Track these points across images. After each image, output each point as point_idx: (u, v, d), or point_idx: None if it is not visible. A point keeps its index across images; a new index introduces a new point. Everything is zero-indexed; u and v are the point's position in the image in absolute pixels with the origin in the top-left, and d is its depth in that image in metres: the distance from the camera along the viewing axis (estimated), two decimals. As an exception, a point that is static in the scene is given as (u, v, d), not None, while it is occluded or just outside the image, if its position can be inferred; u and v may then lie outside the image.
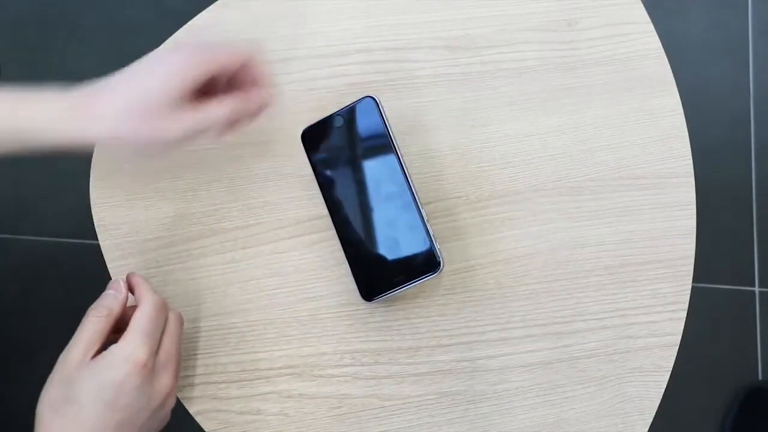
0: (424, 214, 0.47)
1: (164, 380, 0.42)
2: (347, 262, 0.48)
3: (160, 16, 1.23)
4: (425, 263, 0.46)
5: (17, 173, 1.15)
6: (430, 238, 0.46)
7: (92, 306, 0.42)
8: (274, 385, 0.49)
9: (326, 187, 0.48)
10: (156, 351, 0.42)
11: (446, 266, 0.51)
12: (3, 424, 1.00)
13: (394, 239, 0.47)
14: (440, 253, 0.46)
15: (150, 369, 0.40)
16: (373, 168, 0.48)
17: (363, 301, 0.48)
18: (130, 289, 0.44)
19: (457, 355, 0.49)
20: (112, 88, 0.43)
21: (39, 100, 0.42)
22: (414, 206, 0.47)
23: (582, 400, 0.49)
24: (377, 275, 0.47)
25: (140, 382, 0.40)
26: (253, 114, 0.46)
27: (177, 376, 0.44)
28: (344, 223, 0.48)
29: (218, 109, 0.44)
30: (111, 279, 0.50)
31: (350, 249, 0.48)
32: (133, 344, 0.40)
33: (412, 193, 0.47)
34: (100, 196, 0.52)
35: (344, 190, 0.48)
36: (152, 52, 0.46)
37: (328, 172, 0.48)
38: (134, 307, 0.43)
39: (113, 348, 0.40)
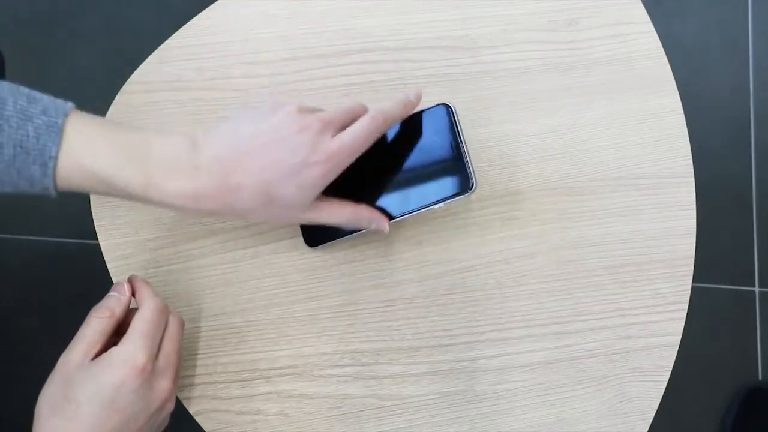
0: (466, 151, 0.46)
1: (163, 384, 0.42)
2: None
3: (160, 16, 1.23)
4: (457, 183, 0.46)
5: (17, 173, 1.15)
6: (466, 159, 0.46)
7: (95, 307, 0.42)
8: (274, 385, 0.49)
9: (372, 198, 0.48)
10: (156, 354, 0.42)
11: (446, 266, 0.51)
12: (3, 424, 1.00)
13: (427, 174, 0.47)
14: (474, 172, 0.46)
15: (149, 372, 0.40)
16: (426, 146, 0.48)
17: (363, 300, 0.48)
18: (133, 292, 0.44)
19: (457, 355, 0.49)
20: (242, 183, 0.41)
21: (162, 185, 0.40)
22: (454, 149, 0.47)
23: (582, 400, 0.49)
24: (449, 179, 0.47)
25: (139, 385, 0.40)
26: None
27: (176, 380, 0.44)
28: (393, 198, 0.48)
29: (336, 216, 0.45)
30: (111, 279, 0.50)
31: (415, 198, 0.47)
32: (132, 347, 0.40)
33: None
34: (100, 196, 0.52)
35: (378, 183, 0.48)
36: (274, 122, 0.42)
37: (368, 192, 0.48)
38: (135, 310, 0.43)
39: (113, 350, 0.40)
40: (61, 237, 1.12)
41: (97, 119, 0.42)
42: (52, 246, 1.11)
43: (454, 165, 0.47)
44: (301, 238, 0.50)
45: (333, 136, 0.42)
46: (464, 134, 0.47)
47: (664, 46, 0.56)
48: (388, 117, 0.43)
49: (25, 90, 0.39)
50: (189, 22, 0.56)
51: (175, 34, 0.56)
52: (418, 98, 0.46)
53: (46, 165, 0.38)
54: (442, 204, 0.46)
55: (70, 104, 0.40)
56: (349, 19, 0.56)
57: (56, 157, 0.38)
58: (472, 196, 0.48)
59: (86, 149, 0.39)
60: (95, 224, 0.52)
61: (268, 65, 0.55)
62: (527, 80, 0.55)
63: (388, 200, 0.47)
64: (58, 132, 0.39)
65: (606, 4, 0.56)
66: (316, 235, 0.50)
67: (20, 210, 1.13)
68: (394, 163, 0.48)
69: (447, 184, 0.46)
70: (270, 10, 0.56)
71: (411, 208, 0.47)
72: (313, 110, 0.44)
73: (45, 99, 0.40)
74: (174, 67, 0.55)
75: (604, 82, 0.55)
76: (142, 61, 0.55)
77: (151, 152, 0.41)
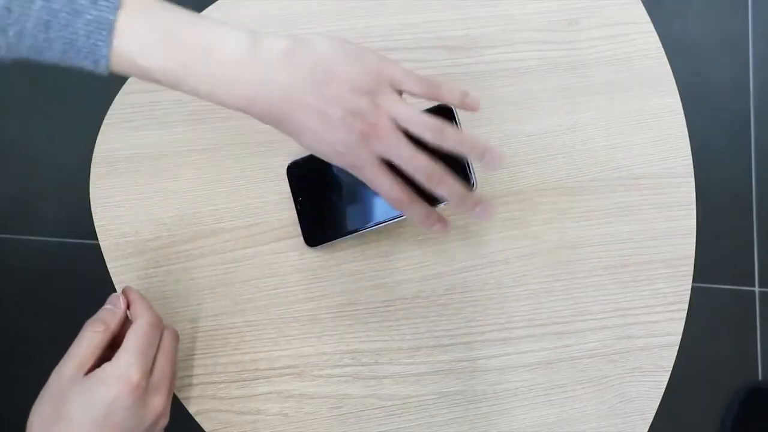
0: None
1: (157, 400, 0.41)
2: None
3: (160, 16, 1.22)
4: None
5: (17, 173, 1.15)
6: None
7: (89, 320, 0.42)
8: (274, 385, 0.49)
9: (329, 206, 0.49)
10: (150, 370, 0.41)
11: (446, 266, 0.51)
12: (3, 424, 1.00)
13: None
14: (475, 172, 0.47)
15: (143, 389, 0.40)
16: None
17: (363, 300, 0.48)
18: (128, 304, 0.44)
19: (457, 355, 0.49)
20: (295, 125, 0.39)
21: (224, 89, 0.38)
22: None
23: (582, 400, 0.49)
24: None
25: (132, 402, 0.39)
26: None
27: (170, 395, 0.43)
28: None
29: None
30: (111, 279, 0.50)
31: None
32: (126, 363, 0.39)
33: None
34: (100, 196, 0.52)
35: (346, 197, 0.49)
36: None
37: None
38: (130, 322, 0.43)
39: (107, 366, 0.39)
40: (61, 237, 1.12)
41: (154, 5, 0.38)
42: (52, 246, 1.11)
43: (455, 165, 0.46)
44: (302, 238, 0.50)
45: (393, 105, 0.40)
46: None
47: (664, 46, 0.56)
48: (446, 135, 0.41)
49: None
50: (189, 22, 0.56)
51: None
52: (463, 97, 0.44)
53: (97, 63, 0.37)
54: (443, 204, 0.46)
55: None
56: (349, 19, 0.56)
57: (108, 56, 0.37)
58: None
59: (141, 49, 0.37)
60: (95, 224, 0.52)
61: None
62: (527, 80, 0.55)
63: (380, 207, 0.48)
64: (109, 29, 0.36)
65: (606, 4, 0.56)
66: (316, 235, 0.50)
67: (20, 210, 1.13)
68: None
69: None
70: (269, 10, 0.56)
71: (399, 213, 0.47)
72: (414, 92, 0.42)
73: None
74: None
75: (604, 82, 0.55)
76: (142, 61, 0.55)
77: (207, 58, 0.38)
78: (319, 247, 0.50)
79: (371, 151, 0.40)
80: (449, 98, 0.42)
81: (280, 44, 0.39)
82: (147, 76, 0.38)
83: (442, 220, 0.44)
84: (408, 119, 0.40)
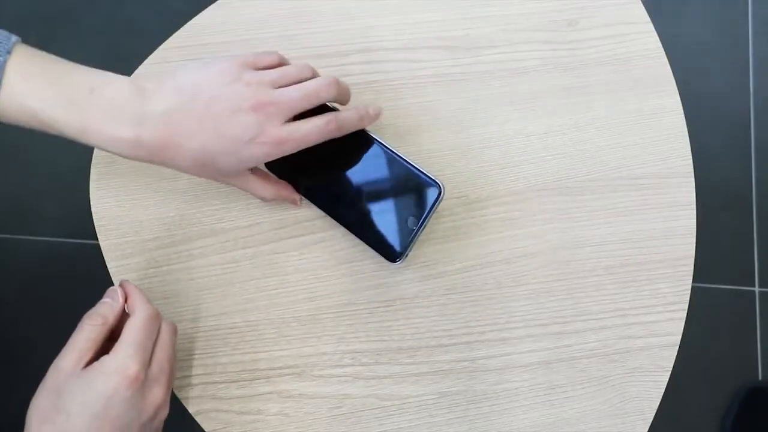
0: (406, 158, 0.47)
1: (156, 392, 0.41)
2: (361, 243, 0.48)
3: (160, 16, 1.23)
4: (427, 195, 0.46)
5: (17, 173, 1.15)
6: (418, 170, 0.46)
7: (87, 314, 0.42)
8: (274, 385, 0.49)
9: (312, 192, 0.49)
10: (148, 363, 0.41)
11: (446, 266, 0.51)
12: (3, 424, 1.00)
13: (389, 196, 0.47)
14: (435, 177, 0.46)
15: (141, 382, 0.40)
16: (349, 155, 0.48)
17: (363, 300, 0.48)
18: (125, 298, 0.44)
19: (457, 355, 0.49)
20: (182, 146, 0.41)
21: (100, 130, 0.41)
22: (394, 158, 0.47)
23: (582, 400, 0.49)
24: (392, 233, 0.47)
25: (131, 395, 0.39)
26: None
27: (169, 388, 0.43)
28: (340, 211, 0.48)
29: (261, 190, 0.47)
30: (111, 279, 0.50)
31: (356, 228, 0.48)
32: (124, 356, 0.39)
33: (388, 150, 0.47)
34: (100, 196, 0.52)
35: (329, 185, 0.49)
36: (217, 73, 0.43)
37: (309, 181, 0.49)
38: (128, 315, 0.43)
39: (105, 359, 0.40)
40: (61, 237, 1.12)
41: (43, 56, 0.41)
42: (52, 246, 1.11)
43: (411, 181, 0.47)
44: (302, 238, 0.50)
45: (284, 122, 0.42)
46: (392, 146, 0.47)
47: (664, 46, 0.56)
48: (342, 125, 0.44)
49: None
50: (189, 22, 0.56)
51: (175, 34, 0.56)
52: (377, 114, 0.47)
53: None
54: (423, 225, 0.46)
55: (14, 38, 0.40)
56: (349, 19, 0.56)
57: None
58: (444, 197, 0.47)
59: (27, 87, 0.40)
60: (95, 224, 0.52)
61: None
62: (527, 80, 0.55)
63: (387, 240, 0.47)
64: (4, 55, 0.39)
65: (606, 4, 0.56)
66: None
67: (20, 210, 1.13)
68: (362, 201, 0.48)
69: (419, 202, 0.47)
70: (270, 10, 0.56)
71: (408, 240, 0.47)
72: (269, 66, 0.45)
73: None
74: (174, 67, 0.55)
75: (604, 82, 0.55)
76: (142, 61, 0.55)
77: (93, 95, 0.41)
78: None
79: (275, 120, 0.42)
80: (357, 125, 0.47)
81: (149, 85, 0.42)
82: (31, 117, 0.40)
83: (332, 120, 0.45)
84: (284, 75, 0.44)
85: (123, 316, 0.43)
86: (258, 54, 0.45)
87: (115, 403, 0.39)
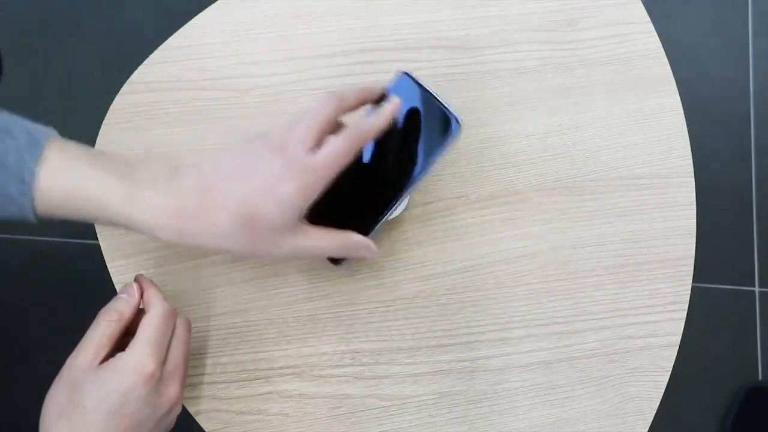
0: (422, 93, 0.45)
1: (171, 389, 0.41)
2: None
3: (160, 17, 1.23)
4: (442, 127, 0.45)
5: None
6: (440, 101, 0.44)
7: (103, 309, 0.42)
8: (274, 385, 0.49)
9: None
10: (164, 359, 0.41)
11: (446, 266, 0.51)
12: (3, 424, 1.00)
13: (408, 140, 0.46)
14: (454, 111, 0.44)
15: (157, 379, 0.40)
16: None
17: (363, 300, 0.48)
18: (141, 292, 0.44)
19: (457, 355, 0.49)
20: (221, 200, 0.40)
21: (143, 197, 0.40)
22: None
23: (582, 400, 0.49)
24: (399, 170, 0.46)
25: (147, 392, 0.39)
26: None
27: (183, 384, 0.43)
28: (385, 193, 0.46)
29: (326, 241, 0.43)
30: (111, 279, 0.50)
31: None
32: (140, 354, 0.40)
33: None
34: (100, 196, 0.52)
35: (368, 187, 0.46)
36: (252, 144, 0.42)
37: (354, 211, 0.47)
38: (143, 311, 0.43)
39: (121, 356, 0.40)
40: (61, 237, 1.12)
41: (80, 144, 0.42)
42: (52, 246, 1.11)
43: (432, 116, 0.45)
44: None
45: (310, 148, 0.41)
46: (433, 89, 0.45)
47: (664, 46, 0.56)
48: (366, 132, 0.42)
49: (6, 112, 0.40)
50: (189, 22, 0.56)
51: (175, 34, 0.56)
52: (397, 106, 0.44)
53: (24, 181, 0.38)
54: (437, 157, 0.44)
55: (51, 128, 0.41)
56: (349, 19, 0.56)
57: (35, 173, 0.38)
58: (460, 135, 0.45)
59: (67, 165, 0.40)
60: (95, 224, 0.52)
61: (268, 65, 0.55)
62: (527, 80, 0.55)
63: (386, 183, 0.46)
64: (39, 149, 0.39)
65: (606, 4, 0.56)
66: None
67: (20, 210, 1.13)
68: (379, 148, 0.46)
69: (434, 138, 0.45)
70: (270, 10, 0.56)
71: (413, 179, 0.45)
72: (294, 122, 0.43)
73: (27, 122, 0.40)
74: (174, 67, 0.55)
75: (604, 82, 0.55)
76: (142, 61, 0.55)
77: (132, 171, 0.41)
78: (344, 264, 0.47)
79: (298, 150, 0.41)
80: (381, 125, 0.43)
81: (176, 163, 0.42)
82: (73, 196, 0.40)
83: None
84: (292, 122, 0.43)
85: (139, 312, 0.43)
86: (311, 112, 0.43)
87: (131, 400, 0.39)
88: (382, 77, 0.54)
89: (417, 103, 0.45)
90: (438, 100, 0.45)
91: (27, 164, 0.38)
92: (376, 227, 0.46)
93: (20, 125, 0.39)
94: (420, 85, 0.45)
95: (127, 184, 0.40)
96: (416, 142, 0.45)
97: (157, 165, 0.42)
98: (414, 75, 0.46)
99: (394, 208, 0.46)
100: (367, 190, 0.46)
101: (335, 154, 0.41)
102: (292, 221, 0.41)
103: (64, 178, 0.39)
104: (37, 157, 0.38)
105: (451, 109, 0.44)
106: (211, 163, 0.42)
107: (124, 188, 0.40)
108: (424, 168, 0.45)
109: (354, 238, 0.44)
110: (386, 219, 0.46)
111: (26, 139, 0.39)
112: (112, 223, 0.41)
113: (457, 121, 0.44)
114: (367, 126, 0.43)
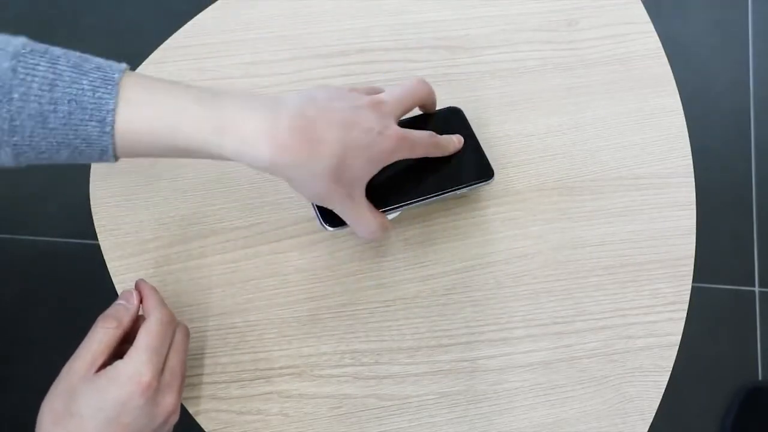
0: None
1: (168, 399, 0.41)
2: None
3: (160, 17, 1.23)
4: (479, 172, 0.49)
5: (17, 173, 1.15)
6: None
7: (102, 316, 0.42)
8: (274, 385, 0.49)
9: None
10: (162, 369, 0.41)
11: (446, 266, 0.51)
12: (3, 424, 1.00)
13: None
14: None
15: (155, 389, 0.40)
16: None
17: (363, 300, 0.48)
18: (141, 298, 0.44)
19: (457, 355, 0.49)
20: (321, 137, 0.39)
21: (236, 125, 0.38)
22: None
23: (582, 400, 0.49)
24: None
25: (144, 402, 0.39)
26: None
27: (181, 393, 0.43)
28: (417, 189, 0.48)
29: (370, 215, 0.44)
30: (111, 279, 0.50)
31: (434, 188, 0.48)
32: (139, 363, 0.39)
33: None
34: (100, 196, 0.52)
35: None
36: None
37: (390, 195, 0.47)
38: (142, 317, 0.43)
39: (119, 364, 0.39)
40: (61, 237, 1.12)
41: (155, 77, 0.39)
42: (52, 246, 1.11)
43: (473, 157, 0.49)
44: (301, 238, 0.50)
45: (398, 118, 0.44)
46: (476, 132, 0.50)
47: (664, 46, 0.56)
48: (444, 146, 0.47)
49: (75, 52, 0.38)
50: (189, 22, 0.56)
51: (175, 34, 0.56)
52: (461, 143, 0.49)
53: (103, 120, 0.36)
54: (463, 189, 0.48)
55: (124, 64, 0.38)
56: (349, 19, 0.56)
57: (114, 111, 0.36)
58: (490, 185, 0.50)
59: (147, 98, 0.37)
60: (95, 224, 0.52)
61: (268, 65, 0.55)
62: (527, 80, 0.55)
63: (413, 186, 0.47)
64: (114, 85, 0.36)
65: (606, 4, 0.56)
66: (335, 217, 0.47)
67: (20, 210, 1.13)
68: (421, 161, 0.48)
69: (468, 173, 0.49)
70: (270, 10, 0.56)
71: (435, 192, 0.48)
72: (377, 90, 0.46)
73: (97, 58, 0.38)
74: (174, 67, 0.55)
75: (604, 82, 0.55)
76: (142, 61, 0.55)
77: (219, 99, 0.38)
78: (335, 229, 0.47)
79: (391, 117, 0.43)
80: (450, 149, 0.48)
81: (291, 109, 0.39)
82: (156, 130, 0.38)
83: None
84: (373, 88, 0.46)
85: (138, 318, 0.43)
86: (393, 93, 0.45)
87: (128, 409, 0.39)
88: (381, 77, 0.55)
89: (464, 135, 0.50)
90: (480, 147, 0.50)
91: (104, 101, 0.36)
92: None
93: (91, 62, 0.37)
94: (469, 125, 0.50)
95: (217, 110, 0.38)
96: (453, 168, 0.49)
97: (244, 94, 0.40)
98: (465, 113, 0.51)
99: (397, 211, 0.48)
100: (389, 183, 0.46)
101: (416, 142, 0.44)
102: (366, 182, 0.42)
103: (144, 112, 0.37)
104: (114, 94, 0.36)
105: (489, 160, 0.50)
106: (310, 96, 0.40)
107: (215, 113, 0.37)
108: (447, 191, 0.48)
109: (387, 223, 0.46)
110: (396, 214, 0.48)
111: (99, 75, 0.36)
112: (200, 155, 0.39)
113: (493, 174, 0.49)
114: (443, 141, 0.47)
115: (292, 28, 0.56)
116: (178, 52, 0.55)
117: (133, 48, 0.73)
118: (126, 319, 0.42)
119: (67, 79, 0.36)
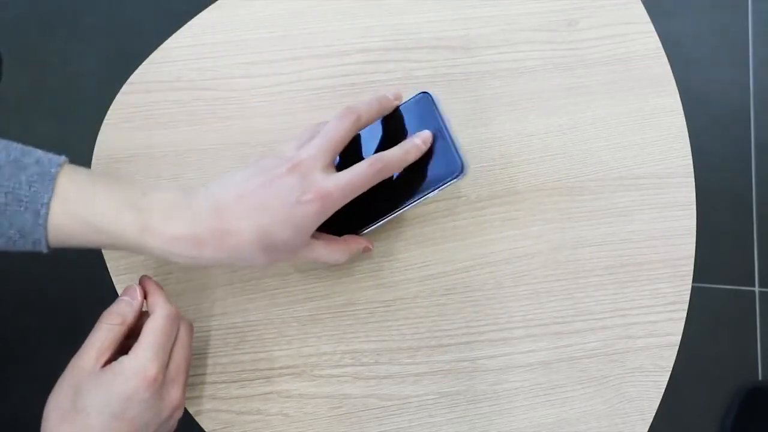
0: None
1: (173, 393, 0.41)
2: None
3: (160, 16, 1.23)
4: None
5: (17, 173, 1.15)
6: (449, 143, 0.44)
7: (106, 312, 0.42)
8: (274, 385, 0.49)
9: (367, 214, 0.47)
10: (167, 364, 0.41)
11: (446, 266, 0.51)
12: (3, 424, 1.00)
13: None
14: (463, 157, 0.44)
15: (159, 383, 0.40)
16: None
17: (363, 300, 0.48)
18: (144, 294, 0.44)
19: (457, 355, 0.49)
20: (238, 227, 0.40)
21: (158, 227, 0.40)
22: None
23: (582, 400, 0.49)
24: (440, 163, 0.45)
25: (149, 396, 0.39)
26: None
27: (185, 388, 0.43)
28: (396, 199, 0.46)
29: (328, 250, 0.45)
30: (111, 279, 0.50)
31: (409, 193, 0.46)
32: (144, 358, 0.40)
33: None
34: (100, 196, 0.52)
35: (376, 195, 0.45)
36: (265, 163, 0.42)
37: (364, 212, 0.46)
38: (147, 313, 0.43)
39: (124, 360, 0.40)
40: (61, 237, 1.11)
41: (91, 171, 0.42)
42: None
43: (441, 152, 0.45)
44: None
45: (326, 167, 0.42)
46: (448, 120, 0.45)
47: (664, 46, 0.56)
48: (389, 163, 0.43)
49: (18, 145, 0.40)
50: (189, 22, 0.56)
51: (175, 34, 0.56)
52: (426, 143, 0.45)
53: (38, 213, 0.38)
54: (432, 193, 0.44)
55: (63, 157, 0.40)
56: (349, 19, 0.56)
57: (48, 204, 0.38)
58: (463, 180, 0.44)
59: (79, 196, 0.39)
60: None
61: (268, 65, 0.55)
62: (527, 80, 0.55)
63: (380, 200, 0.46)
64: (51, 180, 0.39)
65: (606, 4, 0.56)
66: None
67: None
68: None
69: (436, 172, 0.44)
70: (270, 10, 0.56)
71: (403, 203, 0.45)
72: (311, 135, 0.44)
73: (38, 152, 0.40)
74: (174, 67, 0.55)
75: (604, 82, 0.55)
76: (142, 61, 0.55)
77: (146, 198, 0.40)
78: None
79: (314, 173, 0.42)
80: (406, 159, 0.44)
81: (193, 187, 0.42)
82: (86, 227, 0.40)
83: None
84: (303, 131, 0.45)
85: (142, 314, 0.43)
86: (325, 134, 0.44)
87: (134, 404, 0.39)
88: (381, 77, 0.55)
89: (430, 128, 0.45)
90: (450, 137, 0.44)
91: (39, 197, 0.38)
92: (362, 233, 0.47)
93: (31, 156, 0.39)
94: (438, 113, 0.45)
95: (142, 214, 0.40)
96: (419, 169, 0.45)
97: (171, 189, 0.42)
98: (435, 98, 0.46)
99: (377, 224, 0.47)
100: (358, 201, 0.44)
101: (353, 185, 0.42)
102: (307, 239, 0.42)
103: (77, 209, 0.39)
104: (49, 189, 0.38)
105: (459, 152, 0.44)
106: (223, 184, 0.42)
107: (139, 218, 0.40)
108: (416, 199, 0.45)
109: (352, 244, 0.46)
110: (369, 231, 0.47)
111: (37, 170, 0.39)
112: (128, 251, 0.41)
113: (462, 168, 0.44)
114: (393, 159, 0.43)
115: (292, 28, 0.56)
116: (178, 52, 0.55)
117: (133, 48, 0.73)
118: (130, 316, 0.42)
119: (6, 174, 0.38)
